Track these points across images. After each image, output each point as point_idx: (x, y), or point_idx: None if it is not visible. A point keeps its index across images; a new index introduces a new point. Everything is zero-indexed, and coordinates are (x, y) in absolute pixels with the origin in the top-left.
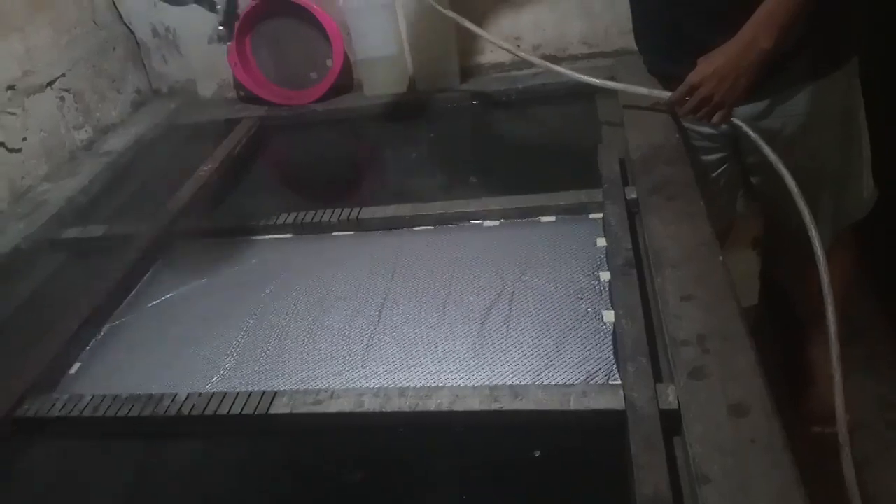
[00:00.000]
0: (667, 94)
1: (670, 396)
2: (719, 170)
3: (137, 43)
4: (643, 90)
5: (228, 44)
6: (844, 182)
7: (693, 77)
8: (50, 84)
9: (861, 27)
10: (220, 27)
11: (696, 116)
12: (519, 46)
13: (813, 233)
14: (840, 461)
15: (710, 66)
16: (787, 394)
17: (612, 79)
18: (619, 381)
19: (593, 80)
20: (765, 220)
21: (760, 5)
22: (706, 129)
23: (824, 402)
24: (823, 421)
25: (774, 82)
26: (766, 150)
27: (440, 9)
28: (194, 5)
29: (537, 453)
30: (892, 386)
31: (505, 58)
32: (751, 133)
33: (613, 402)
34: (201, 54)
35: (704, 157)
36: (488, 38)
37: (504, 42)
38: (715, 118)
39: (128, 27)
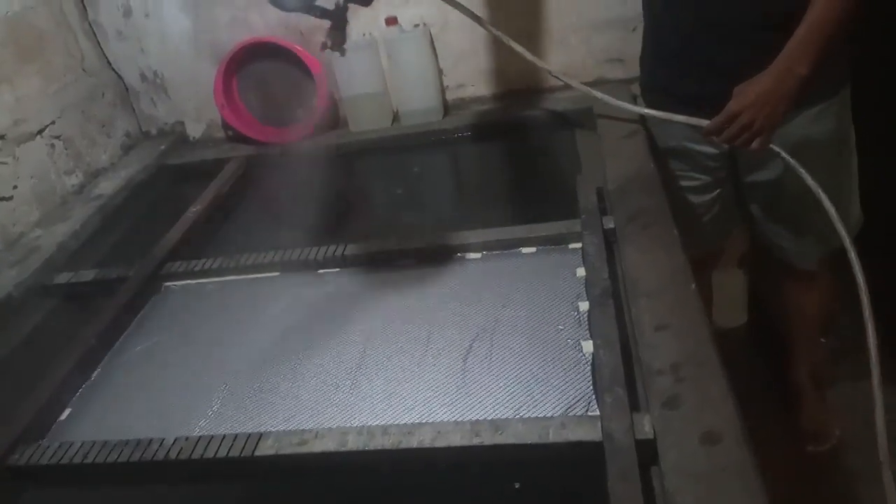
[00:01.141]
0: (705, 122)
1: (646, 426)
2: (714, 192)
3: (126, 87)
4: (681, 118)
5: (330, 52)
6: (835, 205)
7: (733, 105)
8: (40, 132)
9: (851, 55)
10: (332, 32)
11: (735, 144)
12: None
13: (848, 245)
14: (834, 477)
15: (751, 95)
16: (779, 411)
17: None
18: (597, 413)
19: (643, 111)
20: (752, 241)
21: (795, 31)
22: (708, 149)
23: (814, 421)
24: (815, 439)
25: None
26: (803, 173)
27: (493, 30)
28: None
29: (517, 485)
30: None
31: (485, 91)
32: (786, 157)
33: (591, 433)
34: (189, 96)
35: (698, 179)
36: (542, 65)
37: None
38: (755, 144)
39: (116, 73)
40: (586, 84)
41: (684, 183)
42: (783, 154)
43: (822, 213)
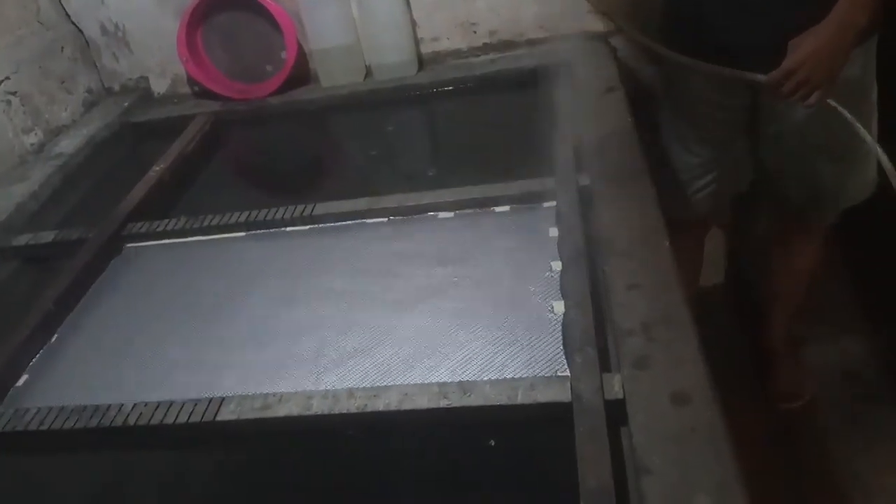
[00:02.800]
0: (761, 77)
1: (616, 387)
2: (722, 147)
3: (86, 41)
4: (736, 72)
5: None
6: (852, 162)
7: (790, 62)
8: None
9: (882, 4)
10: None
11: (791, 99)
12: (475, 33)
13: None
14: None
15: (807, 50)
16: (751, 371)
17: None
18: (567, 373)
19: (694, 62)
20: (749, 200)
21: None
22: (723, 100)
23: (788, 381)
24: (787, 398)
25: None
26: (860, 128)
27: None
28: None
29: (487, 446)
30: (858, 360)
31: (462, 44)
32: (843, 112)
33: (560, 394)
34: (153, 50)
35: (706, 140)
36: (662, 51)
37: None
38: (811, 99)
39: (75, 26)
40: (564, 38)
41: (690, 146)
42: (840, 108)
43: (844, 167)
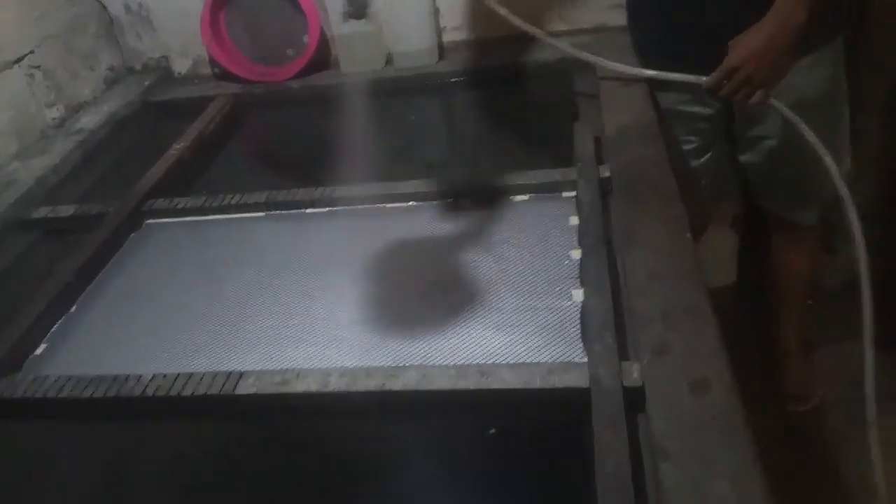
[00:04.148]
0: (703, 79)
1: (634, 374)
2: (706, 156)
3: (110, 19)
4: (677, 76)
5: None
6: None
7: (731, 61)
8: (18, 61)
9: (849, 4)
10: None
11: (735, 99)
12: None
13: (845, 193)
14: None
15: (748, 48)
16: (761, 371)
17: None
18: (585, 359)
19: (630, 70)
20: (747, 201)
21: None
22: (700, 110)
23: (798, 382)
24: (797, 400)
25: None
26: (804, 128)
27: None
28: None
29: (499, 431)
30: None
31: (483, 34)
32: (786, 112)
33: (579, 379)
34: (175, 31)
35: (691, 142)
36: (536, 32)
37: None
38: (754, 98)
39: (100, 3)
40: (586, 31)
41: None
42: (783, 109)
43: (822, 167)
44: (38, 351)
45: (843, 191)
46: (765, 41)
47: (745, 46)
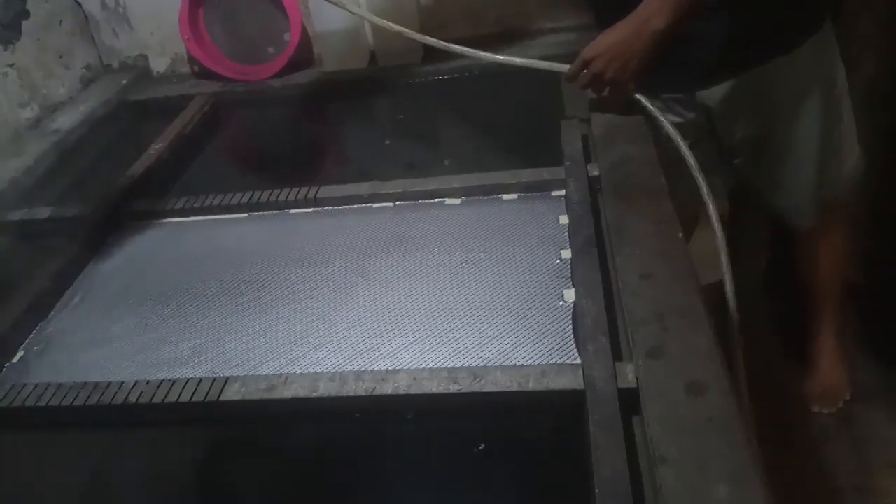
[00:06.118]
0: (564, 67)
1: (629, 375)
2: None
3: (86, 16)
4: (543, 64)
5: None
6: (825, 154)
7: (586, 52)
8: None
9: (825, 4)
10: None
11: (592, 92)
12: (482, 21)
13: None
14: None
15: (603, 44)
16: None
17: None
18: (578, 361)
19: (497, 58)
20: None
21: None
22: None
23: (823, 384)
24: (821, 401)
25: (739, 60)
26: (671, 131)
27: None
28: None
29: (497, 433)
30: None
31: (468, 32)
32: (652, 109)
33: (573, 381)
34: (153, 28)
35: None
36: (403, 31)
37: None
38: (606, 93)
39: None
40: (570, 30)
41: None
42: (649, 105)
43: (814, 165)
44: (15, 359)
45: (704, 189)
46: (621, 40)
47: (601, 42)
